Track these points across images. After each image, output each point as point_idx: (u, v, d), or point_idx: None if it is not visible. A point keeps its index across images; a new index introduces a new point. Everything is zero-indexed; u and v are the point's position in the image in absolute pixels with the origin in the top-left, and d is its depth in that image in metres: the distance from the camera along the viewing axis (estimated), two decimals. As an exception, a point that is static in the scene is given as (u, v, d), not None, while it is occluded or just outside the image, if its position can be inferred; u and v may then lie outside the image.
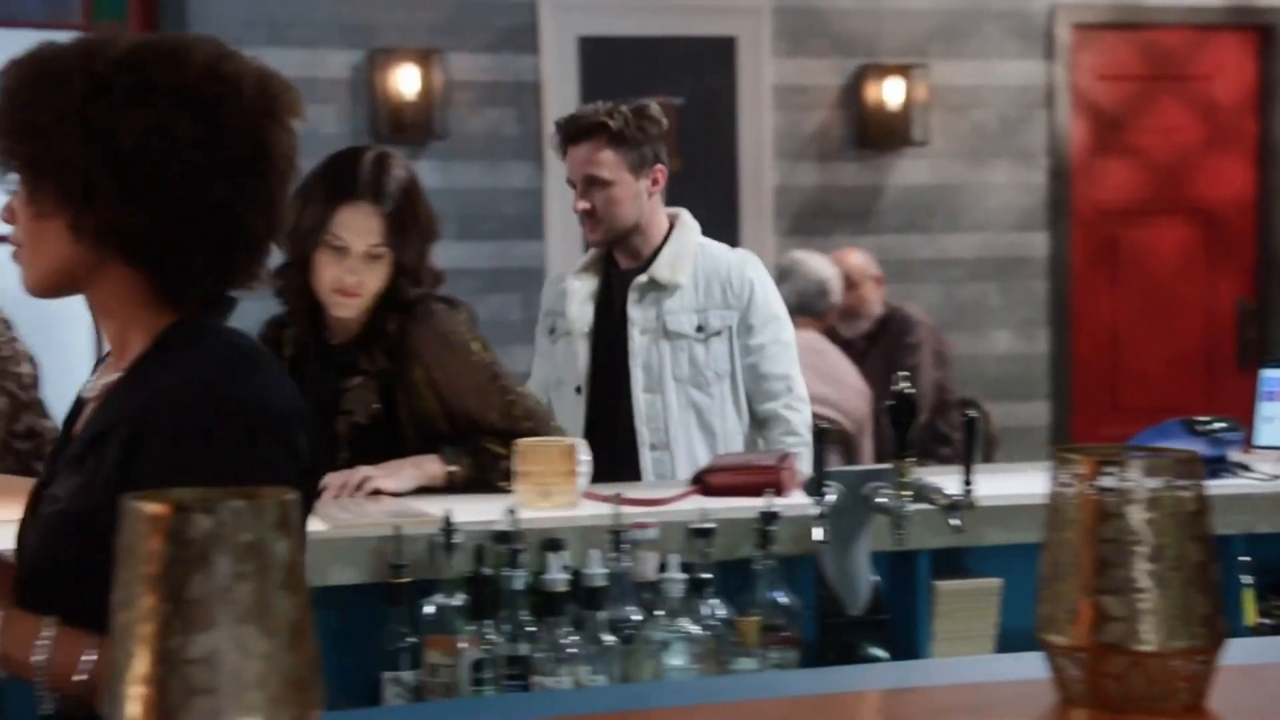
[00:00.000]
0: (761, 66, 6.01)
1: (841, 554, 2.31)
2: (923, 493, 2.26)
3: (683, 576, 2.20)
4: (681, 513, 2.37)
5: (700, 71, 5.98)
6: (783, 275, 4.92)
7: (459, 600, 2.16)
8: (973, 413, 2.33)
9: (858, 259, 5.28)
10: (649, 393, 3.15)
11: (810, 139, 6.12)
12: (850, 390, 4.80)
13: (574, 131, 3.24)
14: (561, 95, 5.82)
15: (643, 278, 3.20)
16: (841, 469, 2.34)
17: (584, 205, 3.22)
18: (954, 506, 2.23)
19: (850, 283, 5.18)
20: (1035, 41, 6.25)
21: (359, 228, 2.58)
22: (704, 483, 2.58)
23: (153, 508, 1.11)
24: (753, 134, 6.03)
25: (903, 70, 6.04)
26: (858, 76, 6.08)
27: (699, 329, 3.19)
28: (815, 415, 4.78)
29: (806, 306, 4.87)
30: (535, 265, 5.86)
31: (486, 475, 2.59)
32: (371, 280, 2.59)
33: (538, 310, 5.87)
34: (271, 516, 1.14)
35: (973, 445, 2.27)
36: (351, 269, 2.57)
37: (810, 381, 4.85)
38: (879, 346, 5.21)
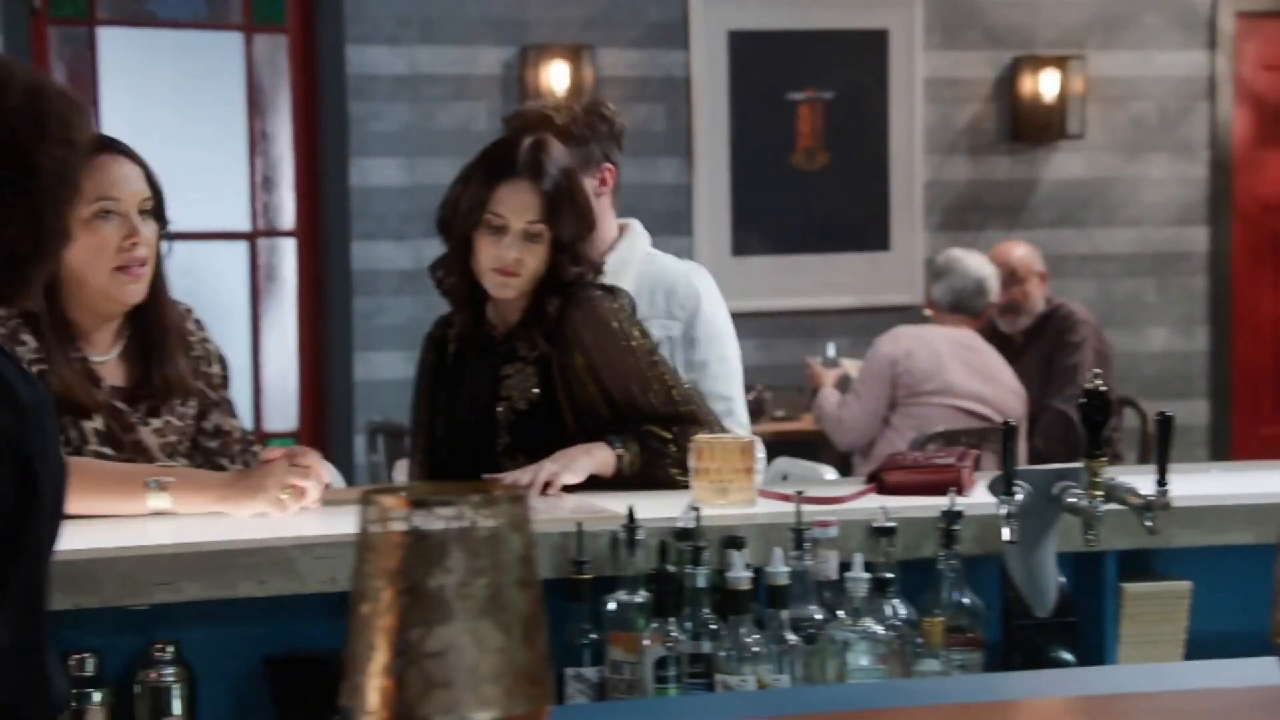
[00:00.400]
0: (913, 59, 5.94)
1: (1028, 555, 2.26)
2: (1114, 493, 2.20)
3: (866, 576, 2.17)
4: (862, 511, 2.33)
5: (851, 65, 5.93)
6: (940, 273, 4.85)
7: (641, 597, 2.15)
8: (1167, 411, 2.26)
9: (1022, 253, 5.17)
10: None
11: (962, 133, 6.03)
12: (1005, 389, 4.72)
13: (518, 126, 3.04)
14: (711, 90, 5.81)
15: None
16: (1031, 468, 2.28)
17: None
18: (1148, 507, 2.17)
19: (1016, 278, 5.08)
20: (1197, 31, 6.09)
21: (518, 204, 2.58)
22: (880, 481, 2.54)
23: (391, 500, 1.12)
24: (904, 128, 5.96)
25: (1059, 62, 5.92)
26: (1012, 69, 5.97)
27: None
28: (970, 413, 4.74)
29: (963, 304, 4.79)
30: (683, 261, 5.85)
31: (654, 459, 2.57)
32: (530, 260, 2.59)
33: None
34: (507, 511, 1.13)
35: (1167, 444, 2.20)
36: (510, 246, 2.58)
37: (965, 378, 4.78)
38: (1039, 343, 5.10)
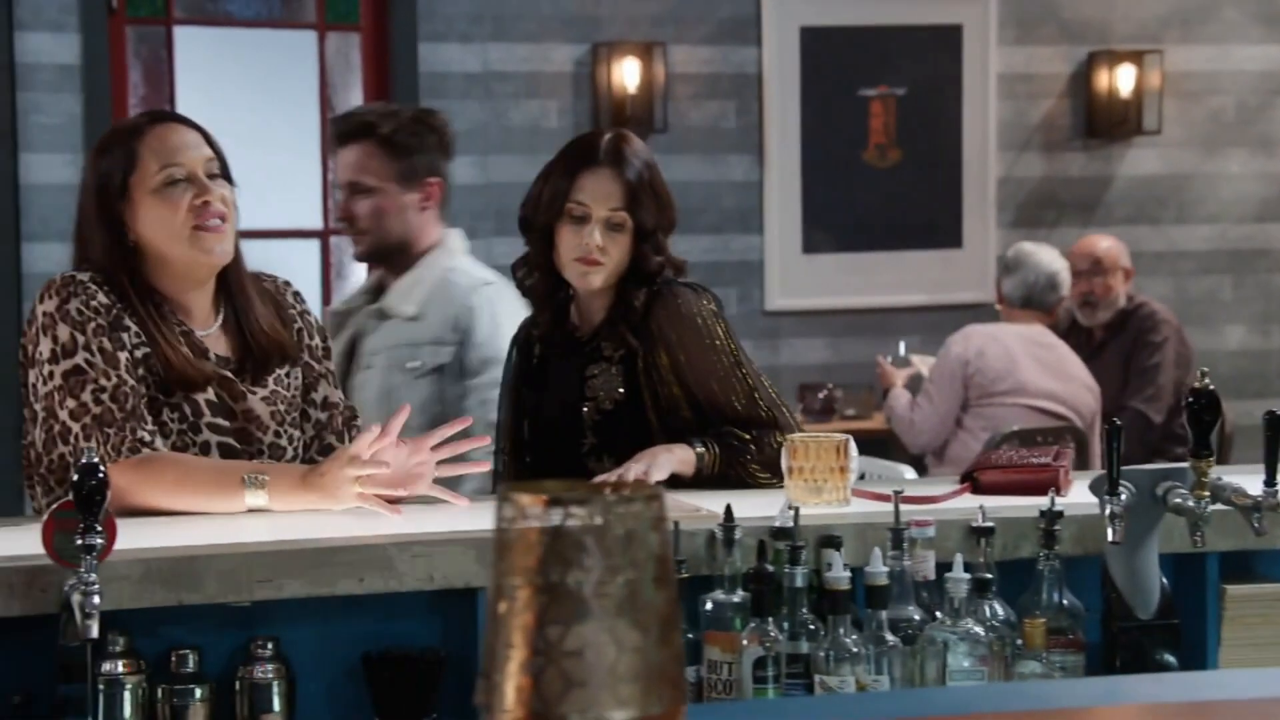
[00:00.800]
0: (987, 54, 5.89)
1: (1131, 556, 2.22)
2: (1221, 493, 2.16)
3: (966, 576, 2.14)
4: (959, 511, 2.30)
5: (924, 60, 5.88)
6: (1010, 267, 4.73)
7: (738, 597, 2.13)
8: (1276, 411, 2.22)
9: (1108, 245, 5.08)
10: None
11: (1036, 128, 5.97)
12: (1080, 385, 4.64)
13: (344, 131, 2.97)
14: (782, 87, 5.78)
15: (374, 306, 2.96)
16: (1135, 468, 2.24)
17: (342, 214, 2.95)
18: (1257, 508, 2.13)
19: (1100, 268, 5.00)
20: (1277, 25, 6.00)
21: (599, 192, 2.56)
22: (974, 481, 2.51)
23: (529, 499, 1.10)
24: (977, 124, 5.91)
25: (1135, 56, 5.85)
26: (1087, 64, 5.91)
27: (418, 365, 2.94)
28: (1044, 412, 4.67)
29: (1035, 300, 4.68)
30: (754, 259, 5.83)
31: (734, 457, 2.55)
32: (613, 249, 2.57)
33: (755, 304, 5.88)
34: (644, 510, 1.12)
35: (1277, 444, 2.16)
36: (593, 234, 2.56)
37: (1038, 377, 4.70)
38: (1119, 340, 5.03)
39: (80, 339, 2.25)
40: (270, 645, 1.99)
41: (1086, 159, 6.00)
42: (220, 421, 2.33)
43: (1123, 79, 5.86)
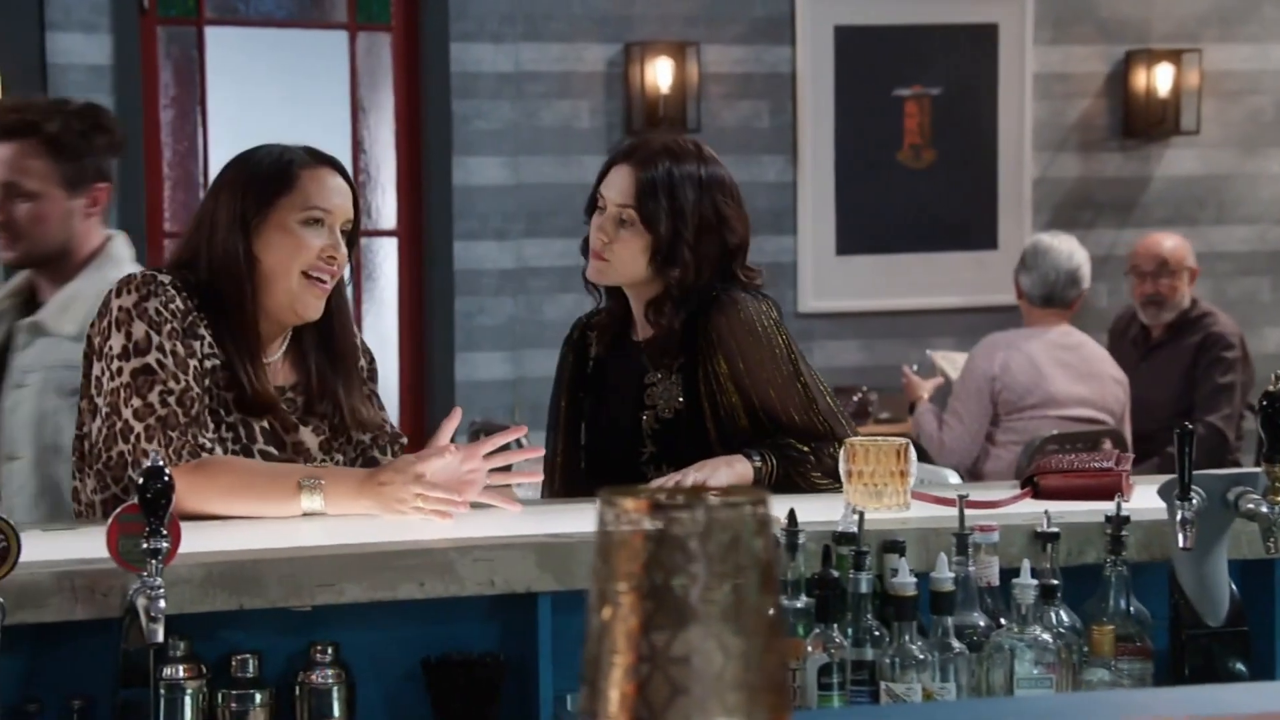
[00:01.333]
0: (1023, 54, 5.84)
1: (1200, 562, 2.18)
2: (1294, 498, 2.12)
3: (1034, 582, 2.11)
4: (1023, 516, 2.27)
5: (959, 60, 5.84)
6: (1029, 262, 4.51)
7: (801, 602, 2.10)
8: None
9: (1173, 245, 4.97)
10: (11, 460, 2.64)
11: (1072, 128, 5.93)
12: (1109, 381, 4.53)
13: (1, 127, 2.72)
14: (816, 87, 5.74)
15: (30, 319, 2.70)
16: (1205, 472, 2.21)
17: None
18: (1331, 513, 2.09)
19: (1167, 269, 4.92)
20: (1318, 24, 5.96)
21: (615, 184, 2.55)
22: (1034, 485, 2.47)
23: (632, 503, 1.07)
24: (1013, 124, 5.87)
25: (1173, 56, 5.81)
26: (1124, 63, 5.86)
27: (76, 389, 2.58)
28: (1074, 419, 4.58)
29: (1055, 297, 4.44)
30: (787, 260, 5.79)
31: (794, 468, 2.52)
32: (620, 248, 2.53)
33: (788, 306, 5.83)
34: (750, 515, 1.09)
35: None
36: (601, 227, 2.53)
37: (1067, 384, 4.59)
38: (1178, 342, 4.94)
39: (155, 339, 2.23)
40: (330, 650, 1.97)
41: (1123, 159, 5.95)
42: (270, 450, 2.32)
43: (1160, 78, 5.82)
